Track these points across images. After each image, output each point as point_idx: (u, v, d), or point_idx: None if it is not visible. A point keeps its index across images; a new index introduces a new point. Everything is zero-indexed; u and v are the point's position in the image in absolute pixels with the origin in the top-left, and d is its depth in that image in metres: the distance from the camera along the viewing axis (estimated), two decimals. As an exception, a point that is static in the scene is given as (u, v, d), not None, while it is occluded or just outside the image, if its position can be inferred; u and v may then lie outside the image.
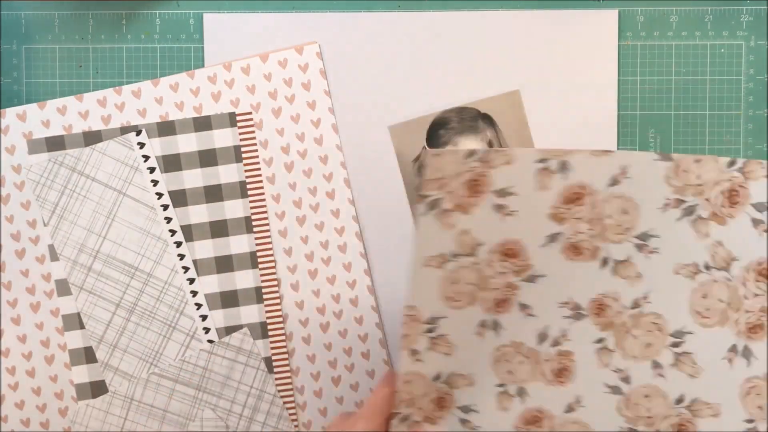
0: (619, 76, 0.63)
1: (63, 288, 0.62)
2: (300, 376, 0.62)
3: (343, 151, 0.63)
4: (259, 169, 0.62)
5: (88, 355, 0.62)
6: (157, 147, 0.62)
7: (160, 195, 0.62)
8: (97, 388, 0.62)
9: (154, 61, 0.63)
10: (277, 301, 0.62)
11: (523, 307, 0.50)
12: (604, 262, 0.50)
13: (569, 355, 0.51)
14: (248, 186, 0.62)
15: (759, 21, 0.62)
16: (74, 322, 0.62)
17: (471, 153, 0.47)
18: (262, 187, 0.62)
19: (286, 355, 0.62)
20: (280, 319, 0.62)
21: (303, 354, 0.62)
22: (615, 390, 0.51)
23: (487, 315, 0.50)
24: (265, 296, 0.62)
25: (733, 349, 0.50)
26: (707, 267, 0.50)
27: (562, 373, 0.51)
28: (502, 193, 0.49)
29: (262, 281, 0.62)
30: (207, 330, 0.62)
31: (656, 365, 0.51)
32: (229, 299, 0.62)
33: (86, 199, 0.61)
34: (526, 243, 0.49)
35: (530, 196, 0.49)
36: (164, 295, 0.62)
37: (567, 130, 0.62)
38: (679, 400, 0.50)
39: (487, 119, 0.60)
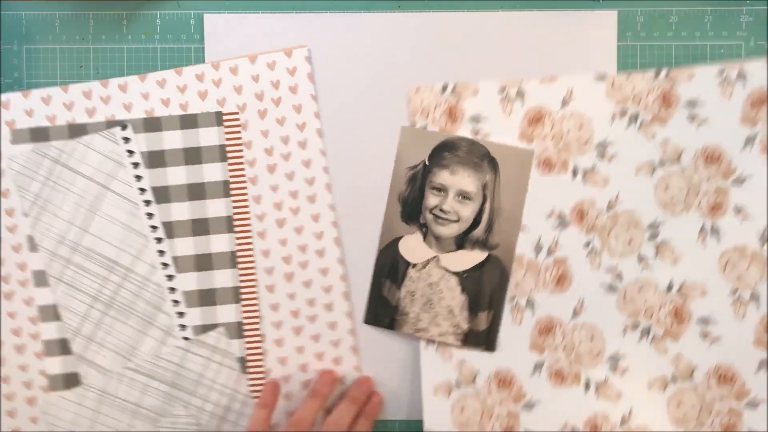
0: (618, 77, 0.60)
1: (40, 279, 0.62)
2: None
3: (327, 156, 0.61)
4: (243, 169, 0.62)
5: (62, 347, 0.62)
6: (142, 143, 0.62)
7: (143, 190, 0.62)
8: (71, 380, 0.62)
9: (154, 61, 0.64)
10: (255, 301, 0.61)
11: None
12: (574, 172, 0.60)
13: None
14: (231, 186, 0.62)
15: (759, 21, 0.60)
16: (50, 313, 0.62)
17: (444, 87, 0.60)
18: (245, 188, 0.62)
19: (260, 356, 0.61)
20: (257, 320, 0.61)
21: (275, 356, 0.61)
22: None
23: None
24: (242, 296, 0.61)
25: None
26: (662, 163, 0.58)
27: None
28: (476, 118, 0.60)
29: (241, 281, 0.61)
30: (183, 327, 0.62)
31: None
32: (206, 297, 0.62)
33: (69, 192, 0.62)
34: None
35: (500, 120, 0.60)
36: (143, 291, 0.62)
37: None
38: None
39: (493, 163, 0.59)
